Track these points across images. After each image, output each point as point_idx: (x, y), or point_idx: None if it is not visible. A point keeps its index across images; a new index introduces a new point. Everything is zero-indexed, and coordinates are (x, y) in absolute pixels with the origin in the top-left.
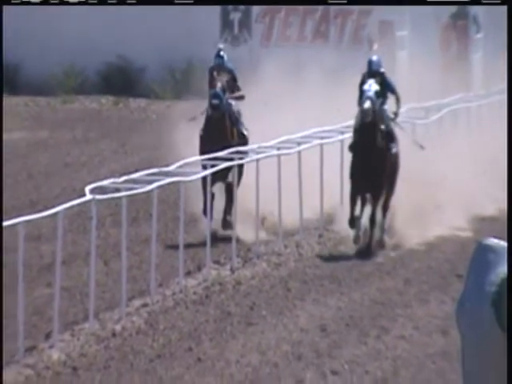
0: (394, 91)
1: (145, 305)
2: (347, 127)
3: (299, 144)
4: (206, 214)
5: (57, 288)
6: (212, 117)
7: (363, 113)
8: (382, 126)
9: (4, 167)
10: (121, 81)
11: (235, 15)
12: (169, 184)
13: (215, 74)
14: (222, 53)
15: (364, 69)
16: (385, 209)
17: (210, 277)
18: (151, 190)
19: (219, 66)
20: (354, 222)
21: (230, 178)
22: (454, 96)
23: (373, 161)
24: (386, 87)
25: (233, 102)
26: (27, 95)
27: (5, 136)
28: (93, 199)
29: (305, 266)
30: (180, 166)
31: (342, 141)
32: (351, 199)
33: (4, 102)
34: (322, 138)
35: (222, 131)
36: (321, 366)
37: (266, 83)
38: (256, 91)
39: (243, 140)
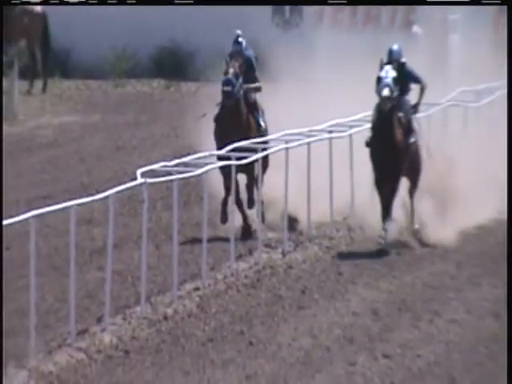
0: (417, 80)
1: (196, 288)
2: None
3: (350, 127)
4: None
5: (108, 271)
6: (226, 105)
7: (382, 101)
8: (400, 114)
9: (56, 150)
10: (172, 64)
11: None
12: (220, 167)
13: (229, 60)
14: (240, 39)
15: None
16: (412, 206)
17: (261, 260)
18: (202, 174)
19: (237, 52)
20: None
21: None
22: (506, 79)
23: (391, 152)
24: (408, 77)
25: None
26: (79, 79)
27: (57, 119)
28: (144, 182)
29: (356, 249)
30: (231, 150)
31: None
32: (378, 189)
33: (56, 86)
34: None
35: (237, 120)
36: (373, 349)
37: (316, 67)
38: (306, 75)
39: (260, 132)
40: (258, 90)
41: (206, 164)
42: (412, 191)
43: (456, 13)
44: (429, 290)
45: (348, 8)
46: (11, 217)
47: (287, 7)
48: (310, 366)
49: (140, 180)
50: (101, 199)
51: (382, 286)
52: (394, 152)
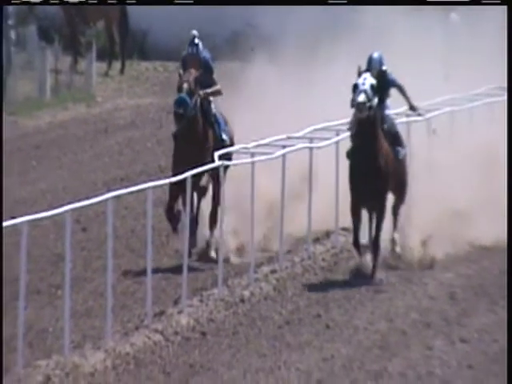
0: (395, 84)
1: (273, 271)
2: (476, 95)
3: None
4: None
5: (185, 253)
6: (179, 127)
7: (357, 107)
8: (385, 126)
9: (134, 132)
10: (247, 49)
11: None
12: (298, 150)
13: (181, 72)
14: (196, 40)
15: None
16: (395, 219)
17: (338, 244)
18: (281, 156)
19: (192, 55)
20: (358, 243)
21: (203, 182)
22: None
23: (374, 167)
24: (389, 85)
25: (212, 103)
26: (156, 60)
27: (134, 101)
28: (221, 165)
29: None
30: (309, 132)
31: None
32: (352, 214)
33: (133, 67)
34: (451, 105)
35: (194, 138)
36: (450, 333)
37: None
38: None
39: (224, 145)
40: (218, 93)
41: (285, 146)
42: (396, 207)
43: None
44: (505, 275)
45: None
46: (88, 198)
47: None
48: (387, 349)
49: (217, 162)
50: (178, 181)
51: (459, 271)
52: (379, 175)
